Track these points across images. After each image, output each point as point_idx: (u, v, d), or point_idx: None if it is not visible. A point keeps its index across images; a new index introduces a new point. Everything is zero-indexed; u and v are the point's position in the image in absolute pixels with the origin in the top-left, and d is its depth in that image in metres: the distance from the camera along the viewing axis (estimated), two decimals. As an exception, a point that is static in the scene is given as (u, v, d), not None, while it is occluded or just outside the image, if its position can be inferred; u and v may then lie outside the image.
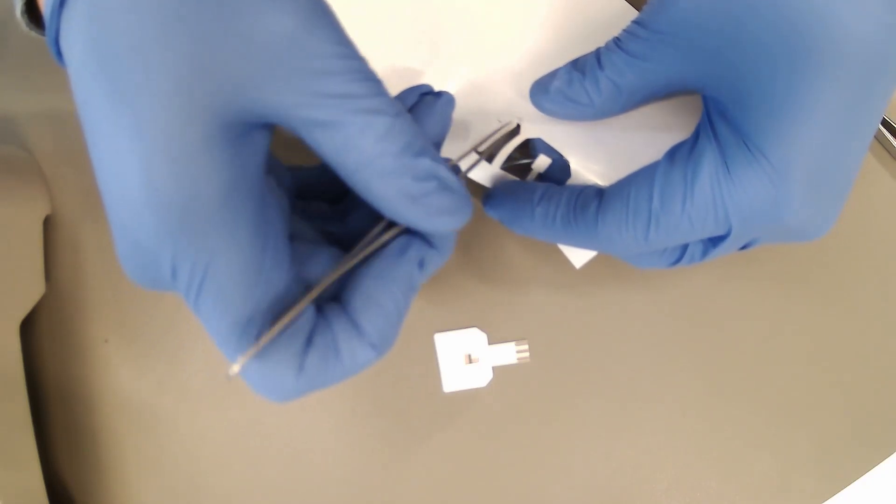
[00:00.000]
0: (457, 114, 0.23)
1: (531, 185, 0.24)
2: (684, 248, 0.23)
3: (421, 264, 0.19)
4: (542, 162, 0.27)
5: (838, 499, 0.29)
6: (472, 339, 0.28)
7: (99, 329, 0.29)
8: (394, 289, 0.19)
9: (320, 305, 0.19)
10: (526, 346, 0.29)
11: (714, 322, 0.29)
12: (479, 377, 0.28)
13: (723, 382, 0.29)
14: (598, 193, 0.23)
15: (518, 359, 0.29)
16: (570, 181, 0.26)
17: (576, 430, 0.29)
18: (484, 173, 0.26)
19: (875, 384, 0.29)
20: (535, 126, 0.27)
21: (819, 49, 0.19)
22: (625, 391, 0.29)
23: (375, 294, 0.18)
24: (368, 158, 0.17)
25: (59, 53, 0.18)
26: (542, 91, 0.25)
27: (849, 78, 0.19)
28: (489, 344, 0.28)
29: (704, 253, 0.23)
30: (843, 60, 0.19)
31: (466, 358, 0.28)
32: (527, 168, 0.27)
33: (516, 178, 0.26)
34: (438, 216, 0.18)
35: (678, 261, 0.23)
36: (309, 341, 0.18)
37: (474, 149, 0.25)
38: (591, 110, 0.24)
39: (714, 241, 0.22)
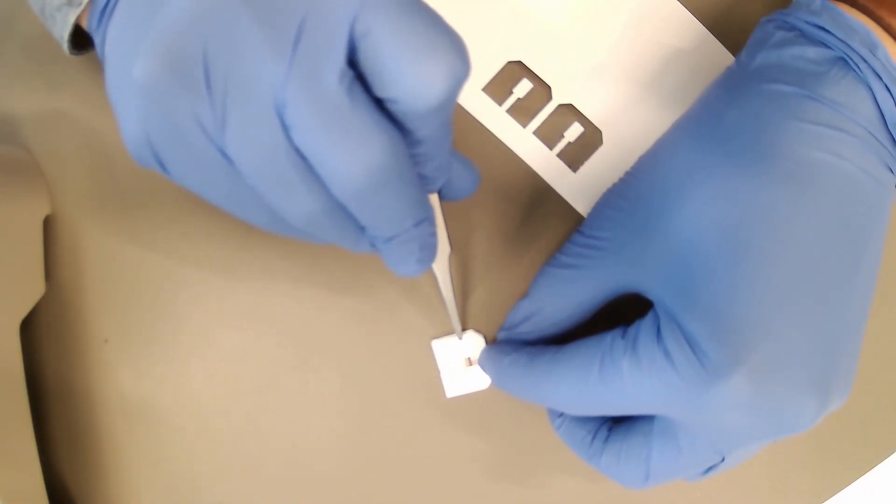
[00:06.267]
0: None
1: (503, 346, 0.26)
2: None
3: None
4: (574, 130, 0.28)
5: (838, 499, 0.29)
6: (470, 341, 0.28)
7: (99, 329, 0.29)
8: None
9: None
10: (526, 346, 0.29)
11: (714, 322, 0.29)
12: (480, 379, 0.28)
13: (723, 382, 0.29)
14: (556, 349, 0.24)
15: (518, 359, 0.29)
16: (601, 149, 0.28)
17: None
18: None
19: (875, 384, 0.29)
20: (569, 92, 0.27)
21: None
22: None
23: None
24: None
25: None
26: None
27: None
28: (487, 344, 0.28)
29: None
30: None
31: (466, 361, 0.28)
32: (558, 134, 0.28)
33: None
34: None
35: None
36: None
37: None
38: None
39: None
